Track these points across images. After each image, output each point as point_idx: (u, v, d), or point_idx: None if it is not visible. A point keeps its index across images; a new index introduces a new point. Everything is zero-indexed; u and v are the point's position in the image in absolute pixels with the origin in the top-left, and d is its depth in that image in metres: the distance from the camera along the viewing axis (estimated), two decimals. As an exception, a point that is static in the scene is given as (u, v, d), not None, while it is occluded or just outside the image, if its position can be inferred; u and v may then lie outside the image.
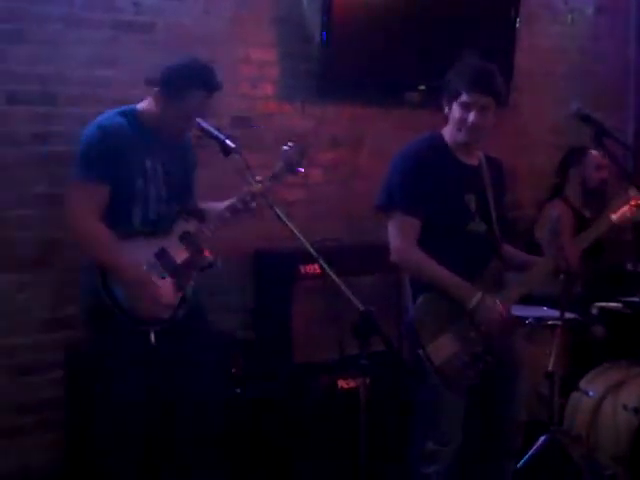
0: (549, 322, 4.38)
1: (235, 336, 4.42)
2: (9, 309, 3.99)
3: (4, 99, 3.93)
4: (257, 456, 3.98)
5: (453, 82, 3.41)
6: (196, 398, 3.48)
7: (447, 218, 3.40)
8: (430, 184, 3.38)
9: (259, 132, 4.67)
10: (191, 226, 3.44)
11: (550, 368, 4.05)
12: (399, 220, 3.41)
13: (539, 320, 4.45)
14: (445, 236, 3.39)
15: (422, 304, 3.38)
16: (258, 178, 3.50)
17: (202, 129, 3.29)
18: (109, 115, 3.38)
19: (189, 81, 3.31)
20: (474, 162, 3.53)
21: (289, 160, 3.61)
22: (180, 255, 3.38)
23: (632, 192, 3.69)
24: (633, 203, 3.70)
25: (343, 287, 2.83)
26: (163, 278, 3.33)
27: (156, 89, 3.35)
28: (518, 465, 3.89)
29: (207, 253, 3.45)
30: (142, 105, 3.42)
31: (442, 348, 3.32)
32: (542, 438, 4.03)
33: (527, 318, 4.42)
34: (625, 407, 4.14)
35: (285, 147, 3.63)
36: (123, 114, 3.38)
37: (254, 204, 3.41)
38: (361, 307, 2.80)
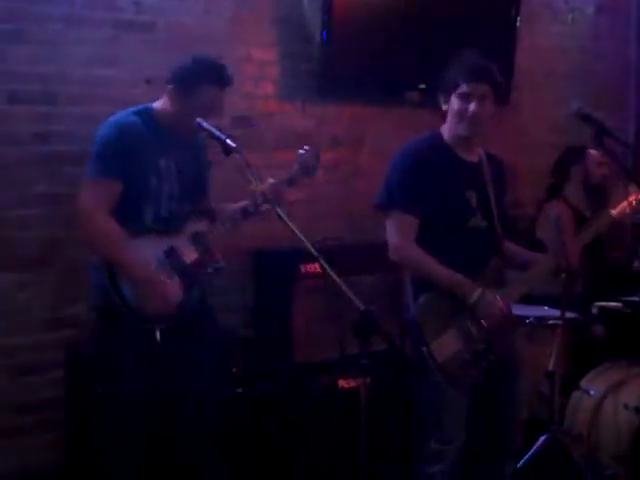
0: (550, 321, 4.38)
1: (236, 335, 4.42)
2: (9, 309, 3.99)
3: (5, 99, 3.93)
4: (257, 456, 3.98)
5: (450, 75, 3.42)
6: (199, 397, 3.48)
7: (448, 215, 3.40)
8: (430, 182, 3.38)
9: (260, 132, 4.68)
10: (202, 226, 3.44)
11: (551, 367, 4.04)
12: (398, 218, 3.42)
13: (540, 319, 4.45)
14: (447, 233, 3.39)
15: (424, 303, 3.38)
16: (271, 180, 3.52)
17: (203, 129, 3.29)
18: (124, 114, 3.39)
19: (200, 77, 3.33)
20: (474, 159, 3.53)
21: (305, 163, 3.64)
22: (189, 255, 3.39)
23: (631, 188, 3.70)
24: (632, 199, 3.71)
25: (344, 286, 2.83)
26: (171, 277, 3.33)
27: (169, 87, 3.37)
28: (519, 465, 3.89)
29: (216, 254, 3.45)
30: (157, 104, 3.44)
31: (445, 346, 3.32)
32: (543, 437, 4.03)
33: (528, 317, 4.42)
34: (626, 406, 4.13)
35: (301, 150, 3.65)
36: (138, 113, 3.39)
37: (265, 207, 3.41)
38: (362, 306, 2.80)
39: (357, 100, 5.01)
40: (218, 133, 3.23)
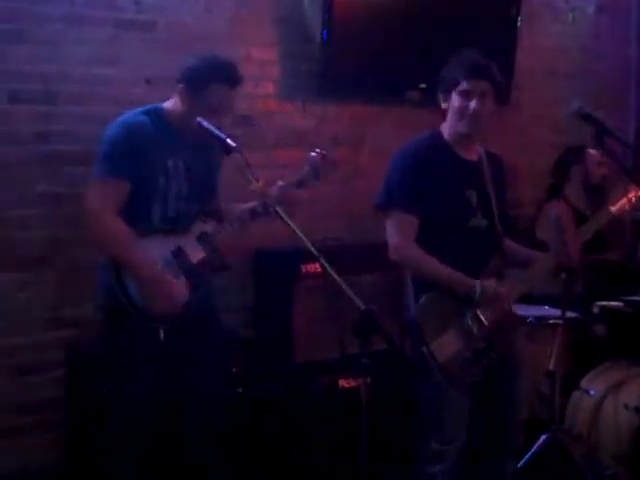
0: (550, 321, 4.38)
1: (236, 335, 4.42)
2: (10, 308, 3.99)
3: (6, 98, 3.94)
4: (257, 456, 3.98)
5: (450, 73, 3.42)
6: (204, 397, 3.48)
7: (448, 215, 3.40)
8: (430, 182, 3.38)
9: (260, 131, 4.68)
10: (209, 227, 3.44)
11: (551, 367, 4.05)
12: (398, 218, 3.41)
13: (540, 319, 4.45)
14: (447, 233, 3.39)
15: (425, 302, 3.38)
16: (280, 183, 3.51)
17: (203, 128, 3.28)
18: (132, 114, 3.38)
19: (209, 76, 3.32)
20: (474, 158, 3.53)
21: (315, 165, 3.63)
22: (196, 255, 3.38)
23: (631, 185, 3.70)
24: (632, 195, 3.71)
25: (344, 286, 2.83)
26: (177, 277, 3.33)
27: (179, 86, 3.36)
28: (519, 464, 3.89)
29: (223, 254, 3.45)
30: (167, 104, 3.43)
31: (446, 345, 3.32)
32: (543, 437, 4.03)
33: (528, 317, 4.42)
34: (626, 406, 4.13)
35: (312, 153, 3.64)
36: (146, 113, 3.38)
37: (274, 208, 3.39)
38: (362, 306, 2.79)
39: (357, 100, 5.01)
40: (218, 132, 3.23)
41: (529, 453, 3.99)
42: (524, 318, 4.31)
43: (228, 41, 4.48)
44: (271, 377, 4.18)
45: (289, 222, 3.01)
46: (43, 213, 4.04)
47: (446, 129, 3.50)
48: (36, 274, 4.04)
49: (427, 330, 3.34)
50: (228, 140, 3.17)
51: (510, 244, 3.62)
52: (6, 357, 3.99)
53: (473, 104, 3.37)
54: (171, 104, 3.42)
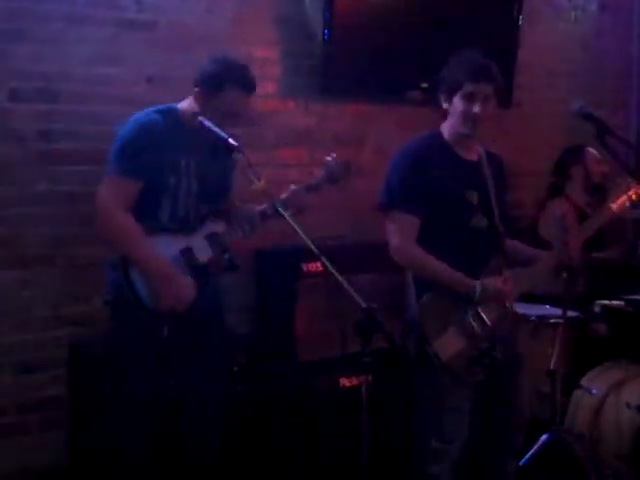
0: (551, 320, 4.38)
1: (238, 334, 4.42)
2: (12, 307, 3.99)
3: (7, 97, 3.94)
4: (258, 455, 3.98)
5: (453, 74, 3.40)
6: (203, 396, 3.48)
7: (449, 215, 3.40)
8: (430, 182, 3.38)
9: (261, 130, 4.67)
10: (219, 227, 3.44)
11: (552, 366, 4.06)
12: (399, 218, 3.41)
13: (541, 318, 4.45)
14: (448, 233, 3.39)
15: (426, 302, 3.38)
16: (293, 187, 3.51)
17: (205, 127, 3.29)
18: (145, 112, 3.38)
19: (224, 80, 3.32)
20: (474, 158, 3.52)
21: (331, 171, 3.64)
22: (204, 254, 3.39)
23: (631, 182, 3.70)
24: (632, 193, 3.71)
25: (345, 285, 2.83)
26: (185, 275, 3.34)
27: (195, 89, 3.36)
28: (520, 463, 3.89)
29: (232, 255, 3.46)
30: (182, 105, 3.43)
31: (448, 344, 3.32)
32: (544, 436, 4.04)
33: (529, 316, 4.42)
34: (628, 405, 4.13)
35: (329, 158, 3.64)
36: (160, 112, 3.38)
37: (289, 212, 3.38)
38: (363, 305, 2.80)
39: (359, 98, 5.01)
40: (220, 132, 3.23)
41: (530, 452, 3.99)
42: (526, 317, 4.32)
43: (229, 40, 4.48)
44: (273, 376, 4.18)
45: (290, 221, 3.02)
46: (44, 211, 4.04)
47: (446, 129, 3.49)
48: (38, 272, 4.05)
49: (429, 329, 3.34)
50: (230, 139, 3.18)
51: (511, 243, 3.62)
52: (8, 355, 3.99)
53: (477, 108, 3.37)
54: (186, 104, 3.42)
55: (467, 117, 3.39)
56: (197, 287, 3.36)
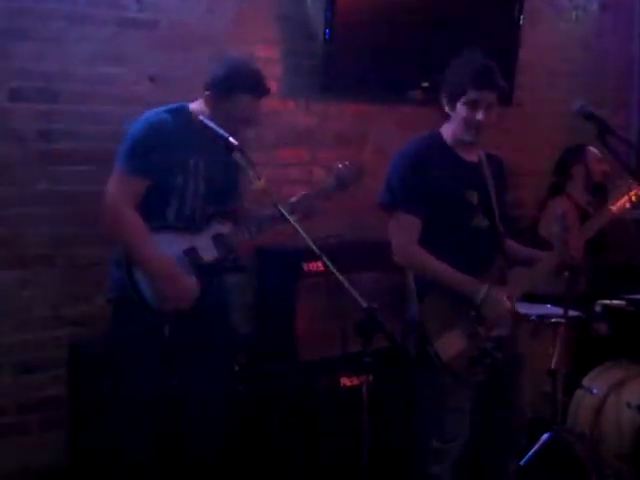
0: (552, 320, 4.38)
1: (238, 333, 4.42)
2: (12, 307, 3.99)
3: (7, 96, 3.93)
4: (258, 455, 3.98)
5: (457, 80, 3.39)
6: (203, 396, 3.48)
7: (450, 215, 3.39)
8: (431, 182, 3.37)
9: (262, 130, 4.67)
10: (225, 228, 3.43)
11: (553, 366, 4.06)
12: (400, 219, 3.41)
13: (542, 318, 4.45)
14: (449, 233, 3.38)
15: (428, 302, 3.38)
16: (303, 192, 3.50)
17: (205, 127, 3.28)
18: (156, 112, 3.38)
19: (235, 85, 3.31)
20: (474, 159, 3.52)
21: (342, 177, 3.62)
22: (209, 255, 3.38)
23: (632, 184, 3.70)
24: (632, 194, 3.71)
25: (346, 284, 2.83)
26: (189, 275, 3.34)
27: (206, 93, 3.36)
28: (521, 462, 3.89)
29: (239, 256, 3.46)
30: (193, 105, 3.42)
31: (450, 344, 3.32)
32: (545, 436, 4.04)
33: (531, 316, 4.42)
34: (629, 405, 4.13)
35: (340, 165, 3.63)
36: (170, 111, 3.38)
37: (295, 217, 3.37)
38: (364, 304, 2.79)
39: (360, 98, 5.01)
40: (221, 131, 3.23)
41: (531, 452, 3.99)
42: (526, 316, 4.31)
43: (230, 40, 4.48)
44: (274, 375, 4.17)
45: (291, 220, 3.01)
46: (44, 211, 4.04)
47: (448, 132, 3.48)
48: (38, 272, 4.04)
49: (430, 329, 3.33)
50: (230, 139, 3.17)
51: (512, 244, 3.62)
52: (8, 355, 3.99)
53: (480, 115, 3.36)
54: (197, 105, 3.41)
55: (470, 124, 3.38)
56: (201, 287, 3.36)
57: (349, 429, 3.86)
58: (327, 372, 4.21)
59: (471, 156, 3.51)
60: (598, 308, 4.69)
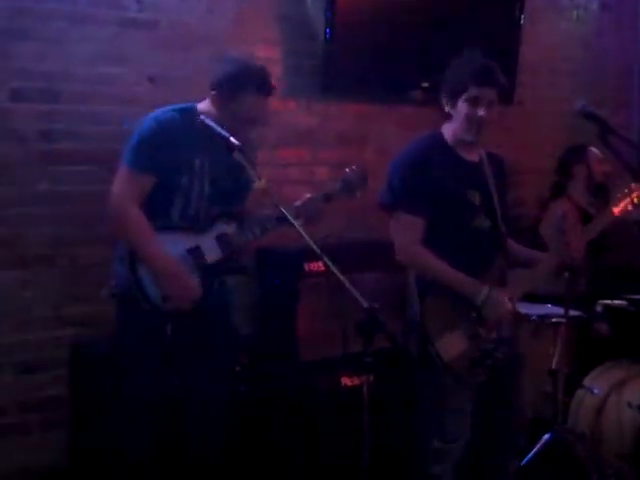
0: (553, 319, 4.38)
1: (240, 333, 4.42)
2: (13, 307, 3.99)
3: (8, 96, 3.93)
4: (259, 455, 3.98)
5: (457, 78, 3.39)
6: (204, 396, 3.48)
7: (452, 215, 3.39)
8: (432, 183, 3.37)
9: (263, 130, 4.66)
10: (230, 228, 3.43)
11: (554, 366, 4.05)
12: (402, 219, 3.41)
13: (543, 317, 4.45)
14: (451, 233, 3.38)
15: (429, 302, 3.37)
16: (308, 195, 3.49)
17: (206, 126, 3.28)
18: (163, 110, 3.38)
19: (241, 84, 3.30)
20: (475, 158, 3.52)
21: (349, 182, 3.61)
22: (213, 255, 3.38)
23: (633, 185, 3.70)
24: (634, 196, 3.71)
25: (347, 284, 2.83)
26: (192, 274, 3.34)
27: (212, 93, 3.35)
28: (522, 463, 3.89)
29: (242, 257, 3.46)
30: (201, 105, 3.41)
31: (451, 345, 3.32)
32: (546, 436, 4.04)
33: (531, 315, 4.42)
34: (629, 405, 4.13)
35: (347, 169, 3.63)
36: (178, 110, 3.37)
37: (299, 221, 3.37)
38: (365, 304, 2.79)
39: (361, 98, 5.01)
40: (221, 131, 3.22)
41: (532, 452, 3.99)
42: (527, 316, 4.31)
43: (230, 40, 4.48)
44: (275, 375, 4.17)
45: (292, 221, 3.01)
46: (45, 211, 4.04)
47: (449, 132, 3.48)
48: (38, 272, 4.04)
49: (431, 329, 3.33)
50: (231, 138, 3.17)
51: (513, 244, 3.62)
52: (8, 355, 3.99)
53: (481, 112, 3.36)
54: (204, 105, 3.40)
55: (472, 121, 3.38)
56: (204, 287, 3.36)
57: (350, 429, 3.84)
58: (328, 372, 4.21)
59: (472, 156, 3.51)
60: (599, 308, 4.69)
